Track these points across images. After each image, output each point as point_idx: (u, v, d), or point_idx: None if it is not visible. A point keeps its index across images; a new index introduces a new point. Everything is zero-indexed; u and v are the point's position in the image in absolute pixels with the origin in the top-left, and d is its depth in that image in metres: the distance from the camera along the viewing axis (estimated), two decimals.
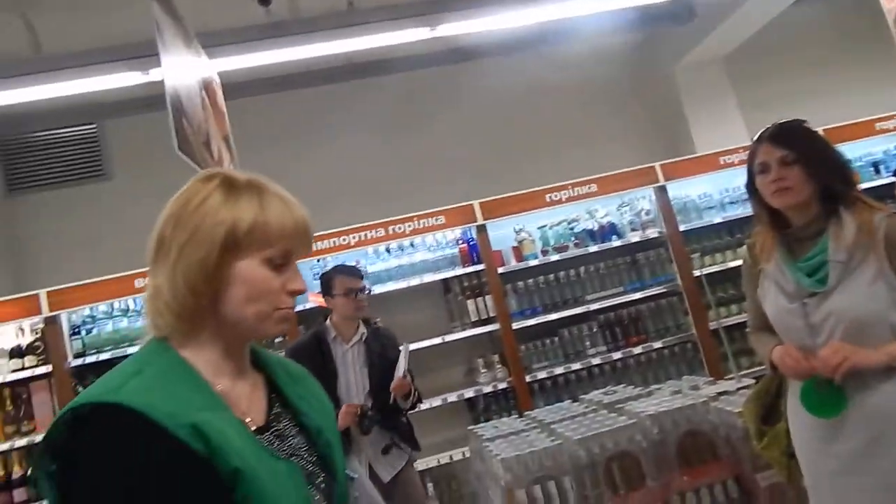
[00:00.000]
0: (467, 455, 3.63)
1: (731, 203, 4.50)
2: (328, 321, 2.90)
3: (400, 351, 2.79)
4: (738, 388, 2.31)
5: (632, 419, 2.06)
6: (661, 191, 4.37)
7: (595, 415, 2.22)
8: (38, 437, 3.67)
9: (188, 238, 0.86)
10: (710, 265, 4.34)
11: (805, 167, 1.57)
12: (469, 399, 4.21)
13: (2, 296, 3.97)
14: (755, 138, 1.69)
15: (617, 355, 4.21)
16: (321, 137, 4.79)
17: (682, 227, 4.36)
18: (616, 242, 4.35)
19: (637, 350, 4.24)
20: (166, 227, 0.88)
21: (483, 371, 4.18)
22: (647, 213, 4.41)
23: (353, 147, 4.80)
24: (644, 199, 4.48)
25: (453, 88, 4.95)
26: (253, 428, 0.88)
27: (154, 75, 3.41)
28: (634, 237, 4.37)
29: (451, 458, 3.97)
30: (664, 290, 4.34)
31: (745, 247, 1.80)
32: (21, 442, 3.67)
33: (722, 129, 4.87)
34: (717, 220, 4.44)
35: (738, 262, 4.21)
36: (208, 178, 0.92)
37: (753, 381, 2.45)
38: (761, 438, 1.73)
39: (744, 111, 5.03)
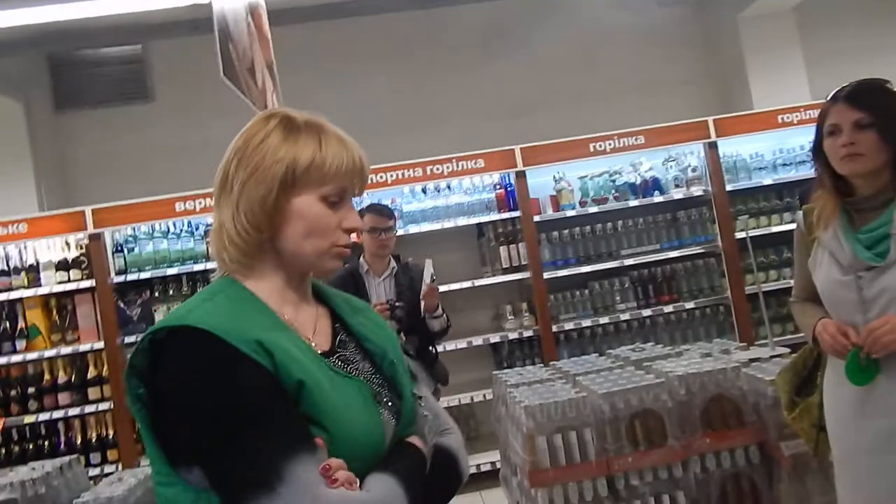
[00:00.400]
0: (488, 398, 3.70)
1: (785, 165, 4.30)
2: (361, 257, 3.01)
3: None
4: (772, 356, 2.26)
5: (659, 378, 2.04)
6: (712, 147, 4.19)
7: (622, 371, 2.21)
8: (82, 347, 3.87)
9: (249, 175, 0.91)
10: (753, 228, 4.20)
11: (880, 132, 1.46)
12: (494, 344, 4.25)
13: (51, 210, 4.10)
14: (829, 97, 1.57)
15: (646, 312, 4.17)
16: (363, 70, 4.69)
17: (728, 187, 4.20)
18: (657, 198, 4.23)
19: (668, 309, 4.19)
20: (229, 165, 0.93)
21: (510, 318, 4.20)
22: (694, 170, 4.25)
23: (395, 82, 4.69)
24: (692, 155, 4.31)
25: (502, 27, 4.75)
26: (319, 351, 0.93)
27: None
28: (677, 194, 4.24)
29: (471, 399, 4.05)
30: (702, 250, 4.24)
31: (799, 212, 1.71)
32: (66, 350, 3.87)
33: (783, 86, 4.58)
34: (768, 181, 4.26)
35: (785, 227, 4.08)
36: (269, 117, 0.96)
37: (787, 349, 2.40)
38: (792, 409, 1.70)
39: (809, 67, 4.71)
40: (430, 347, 3.02)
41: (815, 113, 1.69)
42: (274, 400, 0.82)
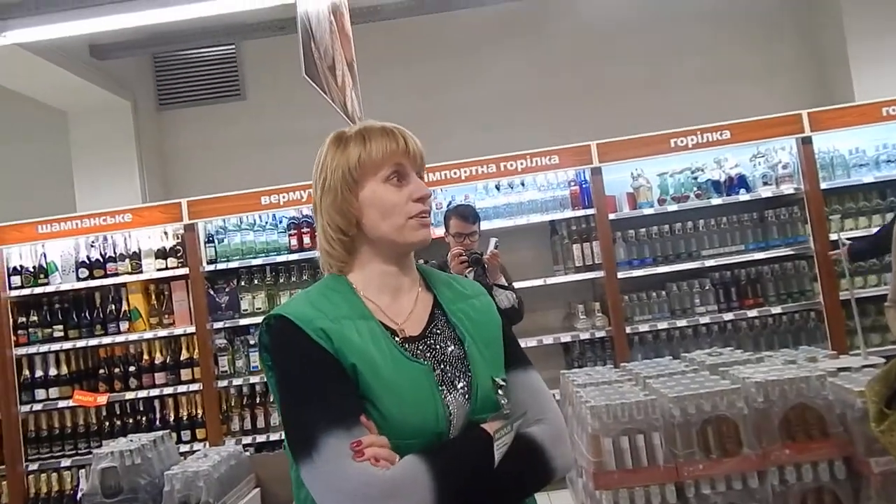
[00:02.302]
0: (557, 397, 3.67)
1: (889, 161, 3.98)
2: (448, 254, 3.11)
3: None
4: (863, 366, 2.11)
5: (735, 384, 1.96)
6: (806, 142, 3.94)
7: (695, 375, 2.13)
8: (177, 331, 4.17)
9: (322, 191, 1.07)
10: (851, 229, 3.92)
11: None
12: (565, 344, 4.20)
13: (152, 202, 4.44)
14: None
15: (728, 316, 3.98)
16: (436, 68, 4.75)
17: (823, 185, 3.94)
18: (744, 196, 4.02)
19: (752, 313, 3.98)
20: (314, 190, 1.11)
21: (582, 317, 4.14)
22: (785, 167, 4.01)
23: (468, 79, 4.72)
24: (783, 151, 4.07)
25: (579, 15, 4.65)
26: (405, 336, 1.03)
27: None
28: (766, 192, 4.02)
29: None
30: (792, 252, 3.99)
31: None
32: (162, 333, 4.19)
33: (890, 75, 4.23)
34: (868, 179, 3.96)
35: None
36: (328, 141, 1.11)
37: (883, 360, 2.23)
38: (881, 421, 1.59)
39: None
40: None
41: None
42: (328, 379, 0.95)
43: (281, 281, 4.24)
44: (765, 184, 4.05)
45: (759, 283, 4.07)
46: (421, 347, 1.03)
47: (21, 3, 3.51)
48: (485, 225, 4.07)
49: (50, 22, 3.42)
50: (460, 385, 1.02)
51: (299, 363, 0.96)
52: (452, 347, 1.05)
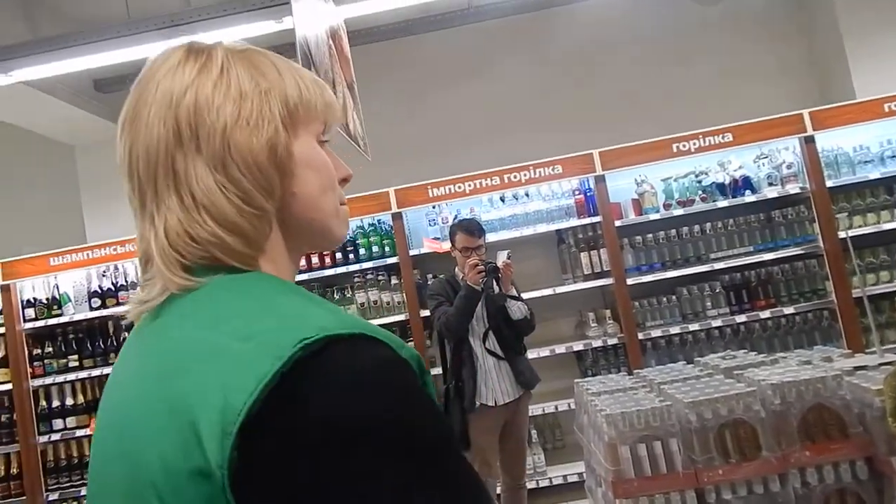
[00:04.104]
0: (573, 406, 3.65)
1: (894, 157, 3.96)
2: (456, 268, 3.20)
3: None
4: (880, 364, 2.09)
5: (751, 387, 1.95)
6: (809, 141, 3.94)
7: (710, 379, 2.12)
8: None
9: (234, 123, 0.64)
10: (859, 226, 3.90)
11: None
12: (577, 352, 4.19)
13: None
14: None
15: (741, 318, 3.96)
16: (438, 85, 4.79)
17: (829, 183, 3.93)
18: (749, 198, 4.02)
19: (764, 315, 3.95)
20: (192, 116, 0.65)
21: (593, 325, 4.13)
22: (790, 167, 4.00)
23: (468, 94, 4.75)
24: (787, 151, 4.06)
25: (574, 27, 4.69)
26: None
27: (287, 23, 3.56)
28: (771, 193, 4.01)
29: (556, 408, 4.01)
30: (801, 251, 3.97)
31: None
32: None
33: (889, 71, 4.23)
34: (874, 175, 3.94)
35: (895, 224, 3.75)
36: (188, 50, 0.69)
37: None
38: None
39: None
40: (518, 340, 3.11)
41: None
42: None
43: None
44: (770, 184, 4.04)
45: (770, 283, 4.05)
46: None
47: (25, 43, 3.59)
48: (491, 237, 4.08)
49: (54, 59, 3.49)
50: None
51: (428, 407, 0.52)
52: None
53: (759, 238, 4.05)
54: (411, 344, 4.07)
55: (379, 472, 0.46)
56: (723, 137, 4.01)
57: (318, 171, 0.65)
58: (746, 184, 4.07)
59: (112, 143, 0.71)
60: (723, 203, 4.02)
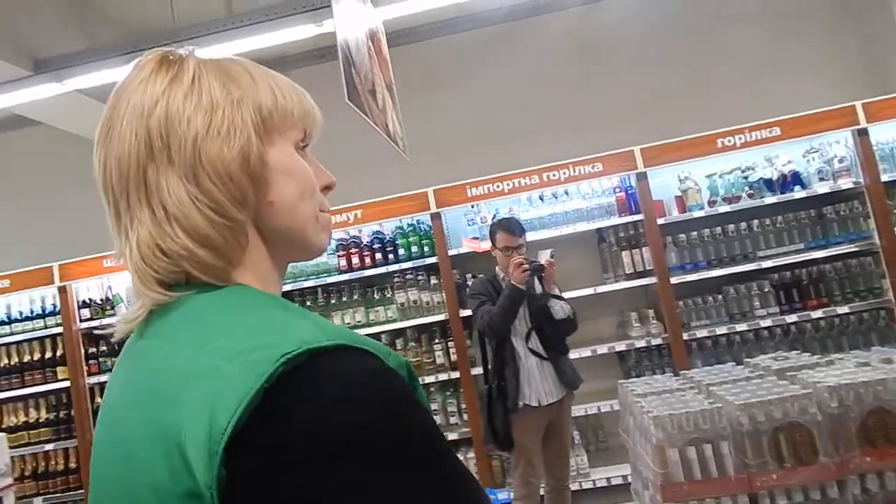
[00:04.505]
0: (615, 408, 3.59)
1: None
2: (497, 267, 3.19)
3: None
4: None
5: (806, 389, 1.88)
6: (862, 134, 3.78)
7: (762, 381, 2.06)
8: None
9: (206, 134, 0.64)
10: None
11: None
12: (620, 353, 4.12)
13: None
14: None
15: (791, 318, 3.83)
16: (478, 83, 4.78)
17: (884, 178, 3.77)
18: (799, 194, 3.88)
19: (816, 314, 3.82)
20: (164, 130, 0.65)
21: (636, 325, 4.06)
22: (841, 161, 3.85)
23: (508, 92, 4.73)
24: (838, 145, 3.91)
25: (614, 22, 4.62)
26: None
27: (326, 26, 3.61)
28: (822, 188, 3.87)
29: (598, 409, 3.95)
30: (855, 248, 3.82)
31: None
32: None
33: None
34: None
35: None
36: (161, 60, 0.69)
37: None
38: None
39: None
40: (561, 340, 3.09)
41: None
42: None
43: (332, 302, 4.32)
44: (821, 179, 3.90)
45: (822, 282, 3.91)
46: None
47: (79, 52, 3.73)
48: (530, 236, 4.05)
49: (104, 68, 3.62)
50: None
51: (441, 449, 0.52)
52: None
53: (810, 235, 3.91)
54: (451, 344, 4.07)
55: (367, 485, 0.46)
56: (770, 132, 3.88)
57: (295, 179, 0.65)
58: (796, 179, 3.94)
59: None
60: (771, 199, 3.90)
